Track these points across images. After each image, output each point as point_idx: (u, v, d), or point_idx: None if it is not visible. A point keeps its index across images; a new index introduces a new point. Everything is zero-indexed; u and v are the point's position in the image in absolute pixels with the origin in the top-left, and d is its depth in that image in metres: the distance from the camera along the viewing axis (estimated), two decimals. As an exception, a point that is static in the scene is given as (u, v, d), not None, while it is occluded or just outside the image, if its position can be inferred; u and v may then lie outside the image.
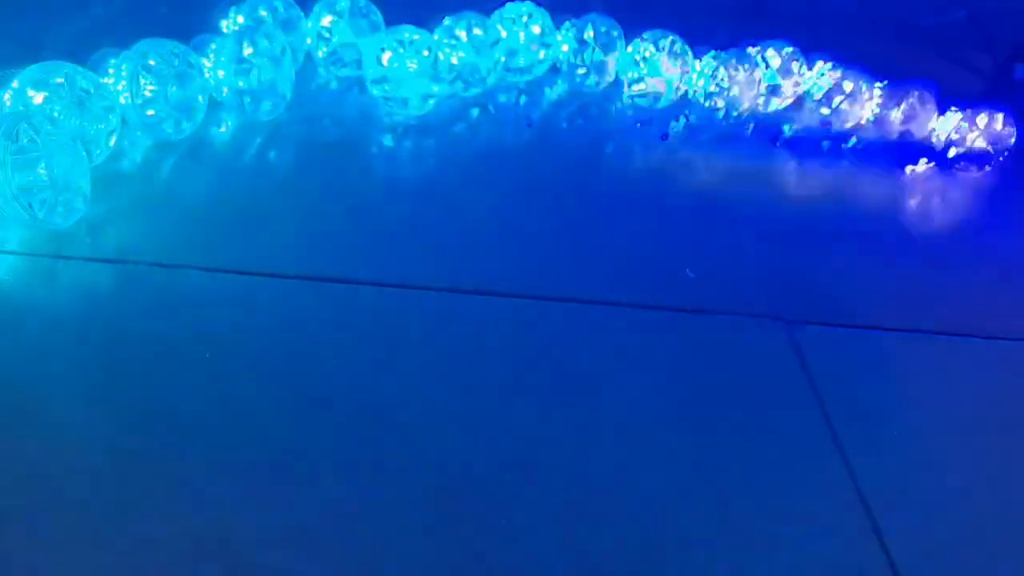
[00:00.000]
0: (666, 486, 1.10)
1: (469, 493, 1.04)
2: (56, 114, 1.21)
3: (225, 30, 1.56)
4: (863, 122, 1.86)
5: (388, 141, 1.57)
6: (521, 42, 1.70)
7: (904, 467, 1.21)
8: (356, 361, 1.16)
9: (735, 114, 1.77)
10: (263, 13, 1.57)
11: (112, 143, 1.32)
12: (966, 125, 1.83)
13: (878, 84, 1.85)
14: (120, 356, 1.08)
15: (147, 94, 1.33)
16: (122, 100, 1.32)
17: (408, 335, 1.21)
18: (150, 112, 1.34)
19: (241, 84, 1.43)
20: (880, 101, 1.84)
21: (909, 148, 1.87)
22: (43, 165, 1.13)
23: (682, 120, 1.71)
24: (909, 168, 1.85)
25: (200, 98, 1.41)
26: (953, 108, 1.85)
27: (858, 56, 1.89)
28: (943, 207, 1.82)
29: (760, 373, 1.30)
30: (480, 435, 1.11)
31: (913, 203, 1.81)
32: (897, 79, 1.86)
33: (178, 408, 1.04)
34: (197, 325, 1.14)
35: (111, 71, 1.33)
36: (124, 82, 1.31)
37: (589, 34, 1.73)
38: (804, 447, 1.20)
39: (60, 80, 1.23)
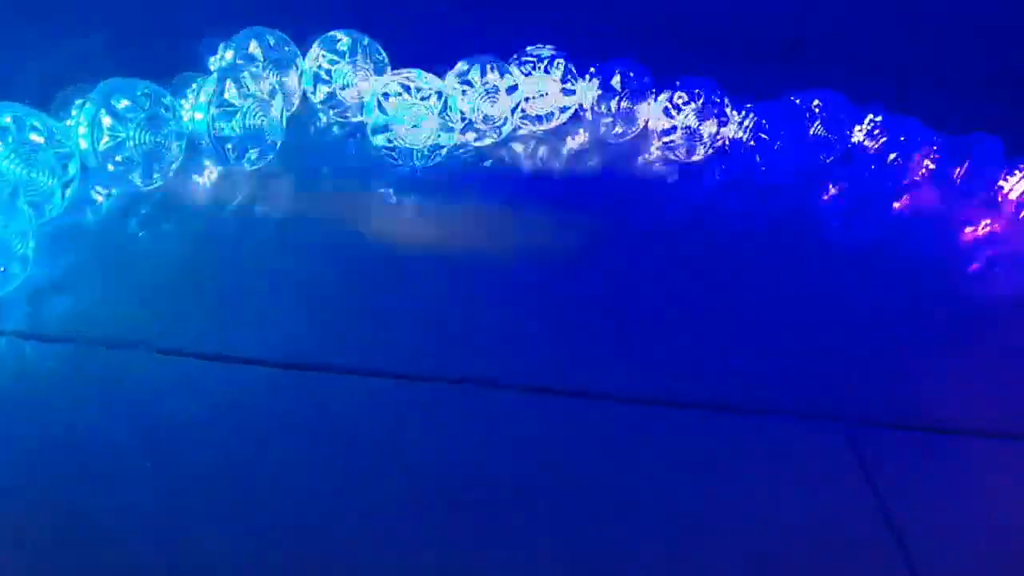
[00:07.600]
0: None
1: None
2: (-1, 164, 1.06)
3: (213, 68, 1.42)
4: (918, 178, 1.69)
5: (391, 196, 1.40)
6: (539, 88, 1.55)
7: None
8: (335, 456, 0.98)
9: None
10: (254, 50, 1.42)
11: (67, 195, 1.16)
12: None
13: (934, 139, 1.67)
14: (51, 453, 0.91)
15: (110, 140, 1.16)
16: (83, 145, 1.16)
17: (399, 426, 1.04)
18: (116, 159, 1.18)
19: (222, 129, 1.27)
20: (937, 157, 1.67)
21: (973, 212, 1.68)
22: (-25, 224, 0.97)
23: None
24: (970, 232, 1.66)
25: (174, 145, 1.25)
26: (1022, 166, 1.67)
27: (913, 107, 1.71)
28: (1017, 288, 1.61)
29: (818, 478, 1.11)
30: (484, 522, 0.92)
31: (983, 284, 1.59)
32: (956, 134, 1.67)
33: (115, 529, 0.86)
34: (146, 417, 0.96)
35: (74, 113, 1.18)
36: (84, 127, 1.15)
37: (616, 81, 1.58)
38: (868, 557, 1.03)
39: (7, 124, 1.08)
